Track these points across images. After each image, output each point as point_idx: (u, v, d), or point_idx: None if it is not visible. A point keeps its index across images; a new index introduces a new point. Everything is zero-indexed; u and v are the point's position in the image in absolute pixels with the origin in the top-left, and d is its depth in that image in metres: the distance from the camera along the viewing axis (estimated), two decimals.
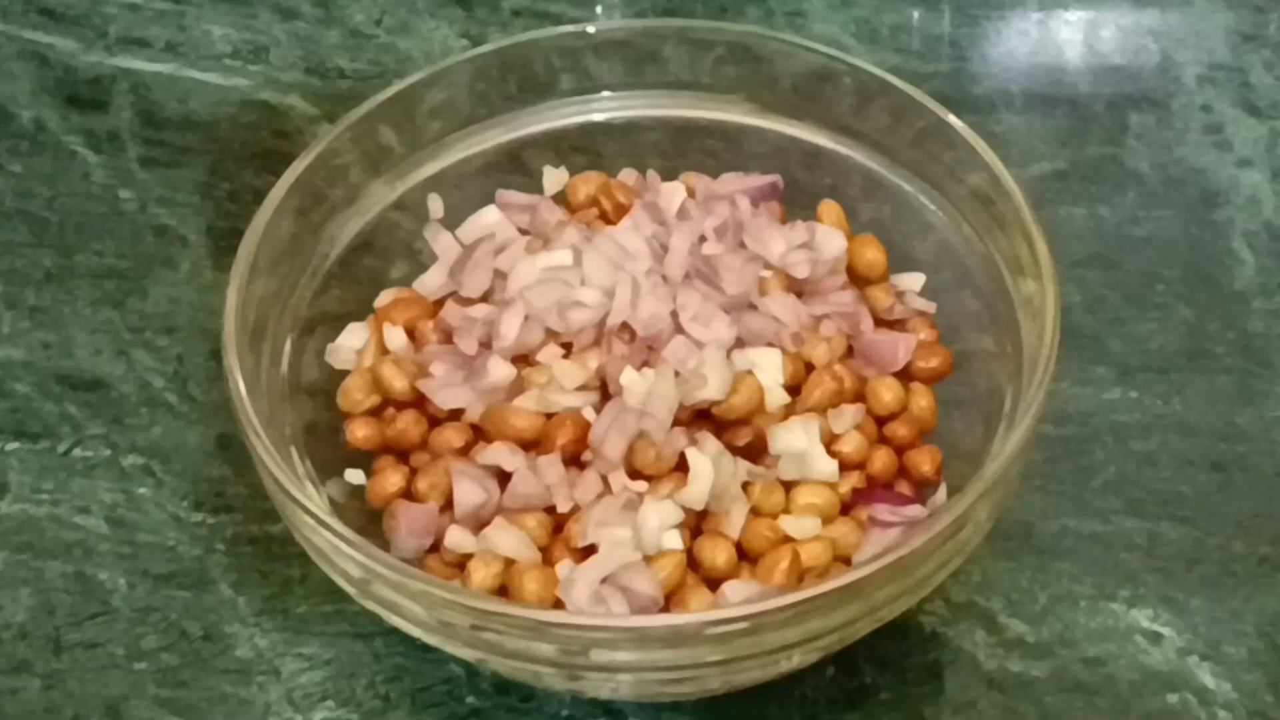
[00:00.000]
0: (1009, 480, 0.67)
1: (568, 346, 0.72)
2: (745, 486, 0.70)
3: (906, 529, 0.69)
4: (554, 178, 0.79)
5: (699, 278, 0.73)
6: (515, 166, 0.80)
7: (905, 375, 0.74)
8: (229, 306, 0.71)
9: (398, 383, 0.72)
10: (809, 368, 0.72)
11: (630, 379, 0.70)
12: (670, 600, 0.68)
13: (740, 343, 0.72)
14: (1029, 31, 0.96)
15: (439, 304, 0.76)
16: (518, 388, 0.72)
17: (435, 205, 0.78)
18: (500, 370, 0.72)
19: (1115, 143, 0.91)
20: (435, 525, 0.70)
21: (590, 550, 0.68)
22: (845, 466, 0.71)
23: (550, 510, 0.70)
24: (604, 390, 0.71)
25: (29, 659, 0.74)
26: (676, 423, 0.70)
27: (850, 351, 0.74)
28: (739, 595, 0.67)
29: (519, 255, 0.75)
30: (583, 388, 0.71)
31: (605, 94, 0.80)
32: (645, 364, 0.71)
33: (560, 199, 0.79)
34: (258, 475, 0.69)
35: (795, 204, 0.78)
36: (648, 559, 0.68)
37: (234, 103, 0.92)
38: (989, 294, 0.74)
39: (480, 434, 0.71)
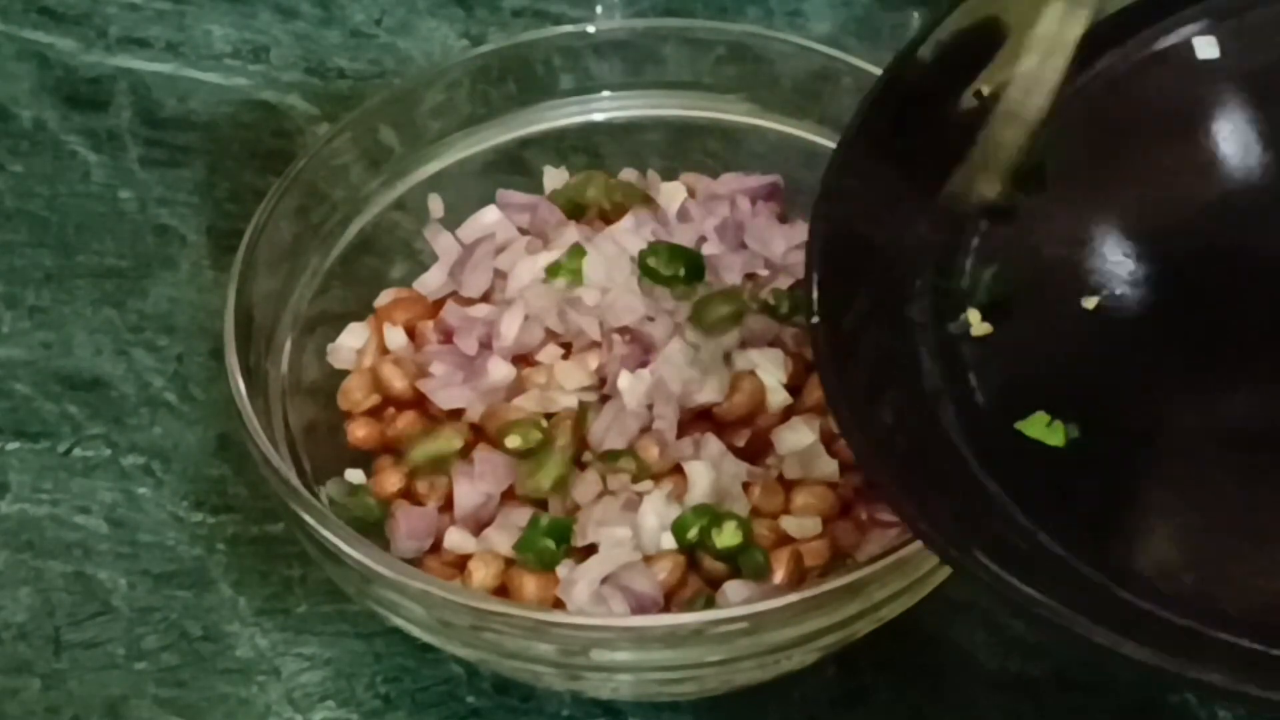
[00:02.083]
0: None
1: (568, 346, 0.72)
2: (745, 486, 0.70)
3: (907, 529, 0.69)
4: (554, 178, 0.79)
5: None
6: (515, 166, 0.80)
7: None
8: (229, 306, 0.71)
9: (398, 383, 0.72)
10: (809, 367, 0.72)
11: (627, 383, 0.70)
12: (670, 600, 0.68)
13: (741, 343, 0.72)
14: None
15: (439, 304, 0.76)
16: (518, 388, 0.72)
17: (435, 205, 0.78)
18: (500, 370, 0.72)
19: None
20: (435, 525, 0.70)
21: (590, 550, 0.68)
22: (846, 466, 0.71)
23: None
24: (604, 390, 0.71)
25: (29, 659, 0.74)
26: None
27: None
28: (739, 595, 0.67)
29: (519, 255, 0.75)
30: (583, 388, 0.71)
31: (605, 94, 0.80)
32: (643, 364, 0.71)
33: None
34: (258, 475, 0.69)
35: (795, 204, 0.78)
36: (647, 559, 0.68)
37: (234, 103, 0.91)
38: None
39: (480, 434, 0.71)
